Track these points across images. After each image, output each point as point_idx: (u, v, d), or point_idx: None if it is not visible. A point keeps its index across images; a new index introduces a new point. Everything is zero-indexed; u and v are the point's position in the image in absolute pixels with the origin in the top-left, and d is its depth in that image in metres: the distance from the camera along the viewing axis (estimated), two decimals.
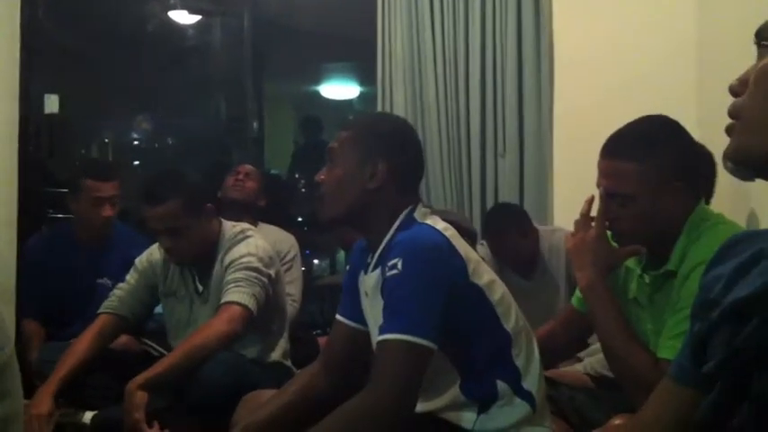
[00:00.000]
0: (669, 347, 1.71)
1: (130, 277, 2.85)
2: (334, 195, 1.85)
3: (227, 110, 6.48)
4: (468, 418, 1.76)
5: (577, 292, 2.07)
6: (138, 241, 3.17)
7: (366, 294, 1.88)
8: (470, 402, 1.77)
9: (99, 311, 2.81)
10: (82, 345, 2.70)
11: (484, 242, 3.44)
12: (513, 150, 3.88)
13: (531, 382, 1.79)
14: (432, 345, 1.66)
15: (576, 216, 1.98)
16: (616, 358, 1.85)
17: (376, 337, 1.72)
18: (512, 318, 1.80)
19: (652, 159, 1.80)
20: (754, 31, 1.04)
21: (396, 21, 4.00)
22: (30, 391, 2.53)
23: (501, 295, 1.80)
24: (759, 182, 1.03)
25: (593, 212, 1.94)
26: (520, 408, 1.77)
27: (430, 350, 1.66)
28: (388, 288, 1.71)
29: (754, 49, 1.03)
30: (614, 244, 1.92)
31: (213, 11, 5.78)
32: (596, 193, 1.91)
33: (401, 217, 1.82)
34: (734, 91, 1.02)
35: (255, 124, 5.82)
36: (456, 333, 1.74)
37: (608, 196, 1.85)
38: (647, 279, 1.88)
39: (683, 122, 1.88)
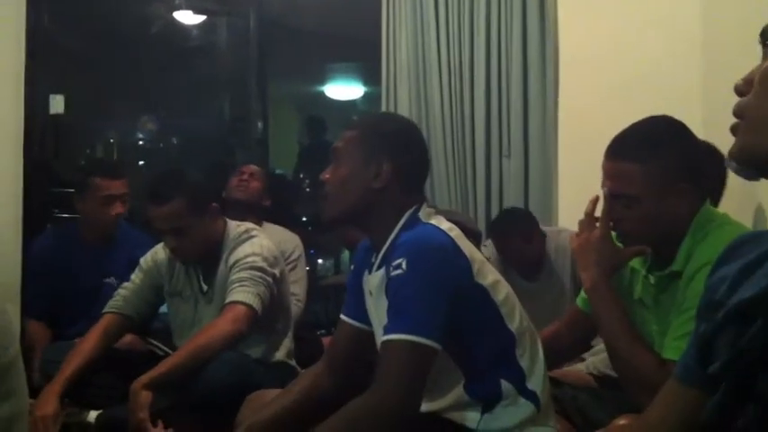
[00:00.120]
0: (674, 348, 1.71)
1: (135, 277, 2.85)
2: (338, 194, 1.85)
3: (231, 110, 6.48)
4: (472, 417, 1.76)
5: (582, 293, 2.06)
6: (144, 241, 3.17)
7: (370, 294, 1.88)
8: (474, 402, 1.77)
9: (104, 311, 2.82)
10: (87, 344, 2.71)
11: (488, 243, 3.44)
12: (518, 151, 3.87)
13: (535, 382, 1.79)
14: (436, 345, 1.66)
15: (581, 216, 1.98)
16: (620, 359, 1.85)
17: (380, 337, 1.72)
18: (516, 318, 1.80)
19: (656, 160, 1.79)
20: (758, 30, 1.04)
21: (400, 21, 4.00)
22: (35, 391, 2.54)
23: (505, 295, 1.80)
24: (765, 181, 1.03)
25: (598, 213, 1.94)
26: (524, 408, 1.77)
27: (434, 350, 1.66)
28: (392, 288, 1.71)
29: (759, 49, 1.03)
30: (619, 244, 1.92)
31: (218, 11, 5.78)
32: (601, 193, 1.91)
33: (405, 217, 1.82)
34: (739, 90, 1.01)
35: (260, 124, 5.81)
36: (460, 333, 1.74)
37: (612, 197, 1.85)
38: (652, 280, 1.88)
39: (688, 123, 1.88)
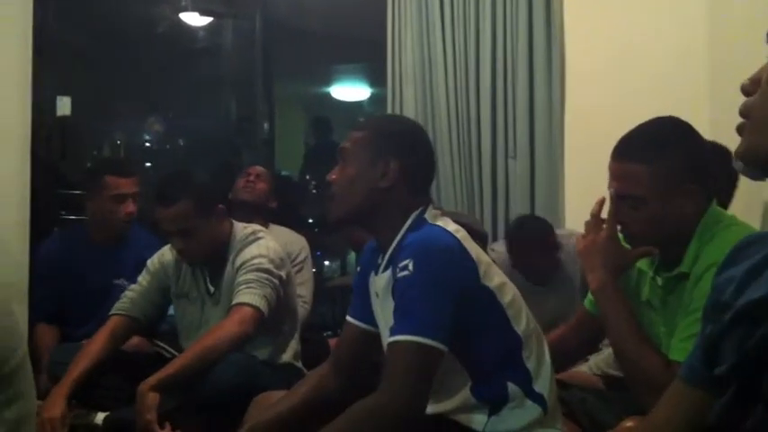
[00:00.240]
0: (681, 349, 1.71)
1: (142, 279, 2.86)
2: (345, 195, 1.86)
3: (237, 111, 6.50)
4: (478, 420, 1.76)
5: (589, 295, 2.06)
6: (153, 242, 3.15)
7: (377, 295, 1.88)
8: (481, 404, 1.76)
9: (111, 313, 2.82)
10: (94, 346, 2.71)
11: (495, 247, 3.42)
12: (524, 152, 3.87)
13: (542, 384, 1.79)
14: (442, 346, 1.66)
15: (587, 218, 1.98)
16: (627, 360, 1.84)
17: (386, 339, 1.72)
18: (522, 320, 1.80)
19: (663, 161, 1.79)
20: (764, 31, 1.04)
21: (406, 22, 4.00)
22: (42, 393, 2.54)
23: (512, 298, 1.80)
24: None
25: (604, 214, 1.94)
26: (531, 410, 1.77)
27: (440, 352, 1.66)
28: (398, 289, 1.71)
29: (765, 49, 1.03)
30: (626, 245, 1.92)
31: (224, 13, 5.80)
32: (607, 195, 1.91)
33: (412, 218, 1.82)
34: (745, 90, 1.01)
35: (266, 125, 5.84)
36: (467, 335, 1.74)
37: (619, 198, 1.84)
38: (659, 281, 1.88)
39: (695, 125, 1.87)
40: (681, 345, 1.72)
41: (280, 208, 3.92)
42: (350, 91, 8.78)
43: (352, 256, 6.19)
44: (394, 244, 1.81)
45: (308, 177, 7.37)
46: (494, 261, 1.91)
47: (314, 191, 6.95)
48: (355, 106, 8.80)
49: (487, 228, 3.77)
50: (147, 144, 6.53)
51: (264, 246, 2.72)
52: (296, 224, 4.28)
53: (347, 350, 2.04)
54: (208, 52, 6.26)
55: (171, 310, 2.95)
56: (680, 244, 1.81)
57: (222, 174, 5.04)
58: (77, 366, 2.64)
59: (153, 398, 2.41)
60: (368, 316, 1.95)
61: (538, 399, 1.77)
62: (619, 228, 1.90)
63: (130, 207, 3.35)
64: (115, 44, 5.88)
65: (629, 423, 1.77)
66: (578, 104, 3.84)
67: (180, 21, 5.94)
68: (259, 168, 3.93)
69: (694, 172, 1.81)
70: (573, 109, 3.85)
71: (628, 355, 1.83)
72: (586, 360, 2.63)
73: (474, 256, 1.75)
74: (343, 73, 8.55)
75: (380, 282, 1.85)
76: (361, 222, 1.91)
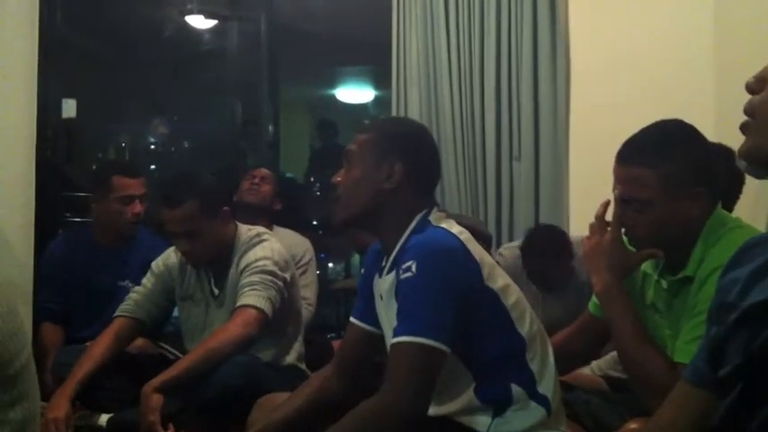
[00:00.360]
0: (685, 351, 1.70)
1: (147, 281, 2.86)
2: (350, 196, 1.86)
3: (242, 114, 6.49)
4: (482, 421, 1.76)
5: (593, 297, 2.06)
6: (159, 244, 3.15)
7: (381, 297, 1.88)
8: (485, 406, 1.76)
9: (115, 315, 2.83)
10: (98, 348, 2.72)
11: (502, 252, 3.39)
12: (529, 155, 3.87)
13: (546, 386, 1.79)
14: (445, 348, 1.66)
15: (592, 220, 1.97)
16: (632, 362, 1.84)
17: (390, 340, 1.72)
18: (526, 322, 1.79)
19: (669, 165, 1.78)
20: None
21: (411, 24, 4.00)
22: (47, 394, 2.55)
23: (515, 299, 1.80)
24: None
25: (609, 216, 1.93)
26: (535, 412, 1.76)
27: (443, 353, 1.66)
28: (401, 291, 1.71)
29: None
30: (631, 248, 1.91)
31: (229, 15, 5.80)
32: (612, 197, 1.90)
33: (416, 220, 1.83)
34: (750, 88, 1.00)
35: (271, 128, 5.84)
36: (470, 337, 1.74)
37: (624, 202, 1.84)
38: (664, 284, 1.87)
39: (700, 128, 1.87)
40: (685, 347, 1.72)
41: (284, 210, 3.92)
42: (354, 93, 8.78)
43: (356, 258, 6.20)
44: (398, 246, 1.81)
45: (312, 180, 7.37)
46: (499, 264, 1.91)
47: (318, 193, 6.95)
48: (360, 108, 8.81)
49: (492, 230, 3.77)
50: (153, 146, 6.53)
51: (269, 248, 2.72)
52: (300, 226, 4.28)
53: (351, 352, 2.04)
54: (213, 55, 6.26)
55: (175, 312, 2.96)
56: (685, 247, 1.81)
57: (227, 176, 5.04)
58: (82, 368, 2.64)
59: (157, 399, 2.41)
60: (372, 318, 1.95)
61: (542, 400, 1.77)
62: (623, 230, 1.90)
63: (138, 208, 3.36)
64: (120, 47, 5.88)
65: (633, 425, 1.77)
66: (583, 106, 3.83)
67: (185, 24, 5.95)
68: (264, 171, 3.93)
69: (700, 175, 1.81)
70: (578, 111, 3.85)
71: (632, 357, 1.82)
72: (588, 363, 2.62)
73: (477, 257, 1.75)
74: (348, 75, 8.56)
75: (384, 284, 1.85)
76: (366, 224, 1.91)
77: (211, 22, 5.97)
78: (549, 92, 3.84)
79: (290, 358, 2.80)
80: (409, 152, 1.85)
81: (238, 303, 2.60)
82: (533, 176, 3.87)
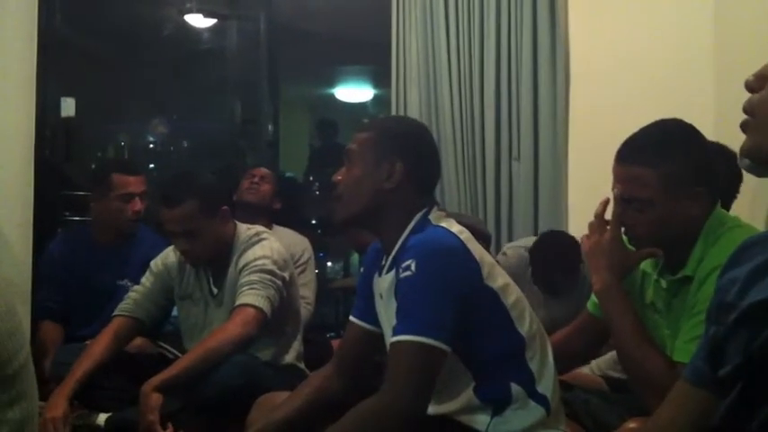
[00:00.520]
0: (685, 351, 1.70)
1: (146, 280, 2.86)
2: (350, 195, 1.86)
3: (242, 113, 6.50)
4: (481, 420, 1.76)
5: (593, 296, 2.06)
6: (160, 243, 3.14)
7: (380, 296, 1.88)
8: (484, 405, 1.76)
9: (114, 314, 2.82)
10: (97, 347, 2.71)
11: (506, 252, 3.38)
12: (528, 154, 3.87)
13: (545, 385, 1.79)
14: (444, 347, 1.66)
15: (591, 219, 1.97)
16: (631, 361, 1.84)
17: (390, 339, 1.72)
18: (526, 321, 1.80)
19: (669, 164, 1.78)
20: None
21: (410, 24, 4.00)
22: (45, 394, 2.54)
23: (515, 299, 1.80)
24: None
25: (608, 215, 1.93)
26: (534, 411, 1.76)
27: (443, 352, 1.66)
28: (401, 290, 1.72)
29: None
30: (630, 247, 1.91)
31: (228, 14, 5.80)
32: (611, 196, 1.90)
33: (416, 219, 1.83)
34: (750, 87, 1.00)
35: (270, 127, 5.84)
36: (470, 336, 1.74)
37: (624, 201, 1.84)
38: (663, 284, 1.87)
39: (700, 127, 1.87)
40: (685, 346, 1.72)
41: (283, 209, 3.92)
42: (354, 92, 8.79)
43: (354, 257, 6.20)
44: (398, 245, 1.81)
45: (311, 179, 7.37)
46: (500, 263, 1.90)
47: (317, 192, 6.95)
48: (359, 108, 8.81)
49: (491, 229, 3.77)
50: (152, 146, 6.53)
51: (268, 247, 2.72)
52: (299, 225, 4.28)
53: (350, 351, 2.04)
54: (212, 54, 6.27)
55: (175, 312, 2.95)
56: (684, 246, 1.81)
57: (226, 175, 5.04)
58: (80, 367, 2.64)
59: (156, 398, 2.41)
60: (371, 317, 1.95)
61: (541, 400, 1.77)
62: (623, 230, 1.89)
63: (138, 205, 3.35)
64: (120, 46, 5.89)
65: (632, 424, 1.77)
66: (582, 106, 3.83)
67: (184, 23, 5.95)
68: (263, 170, 3.93)
69: (700, 174, 1.81)
70: (577, 111, 3.85)
71: (631, 357, 1.82)
72: (587, 362, 2.62)
73: (477, 257, 1.75)
74: (348, 74, 8.56)
75: (384, 283, 1.85)
76: (366, 223, 1.91)
77: (211, 21, 5.97)
78: (549, 91, 3.84)
79: (289, 357, 2.79)
80: (409, 151, 1.85)
81: (237, 302, 2.60)
82: (533, 176, 3.87)
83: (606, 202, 1.95)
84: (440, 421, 1.78)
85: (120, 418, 2.60)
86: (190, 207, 2.64)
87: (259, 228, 2.87)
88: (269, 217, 3.77)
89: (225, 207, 2.75)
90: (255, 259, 2.67)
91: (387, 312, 1.84)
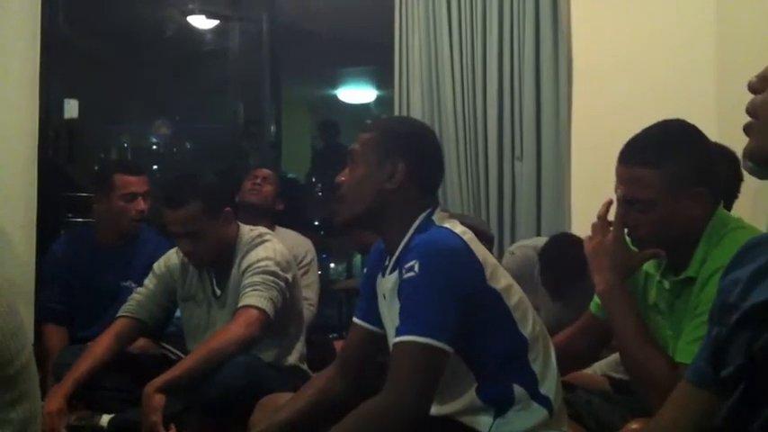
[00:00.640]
0: (687, 352, 1.70)
1: (149, 282, 2.86)
2: (353, 196, 1.86)
3: (244, 114, 6.49)
4: (484, 422, 1.76)
5: (596, 298, 2.06)
6: (163, 244, 3.15)
7: (384, 297, 1.88)
8: (487, 406, 1.76)
9: (117, 315, 2.83)
10: (98, 347, 2.72)
11: (514, 251, 3.36)
12: (531, 155, 3.86)
13: (548, 386, 1.79)
14: (447, 347, 1.66)
15: (594, 220, 1.97)
16: (634, 362, 1.84)
17: (393, 340, 1.72)
18: (529, 322, 1.79)
19: (671, 165, 1.78)
20: None
21: (413, 24, 4.00)
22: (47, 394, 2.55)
23: (518, 300, 1.80)
24: None
25: (611, 216, 1.93)
26: (537, 412, 1.76)
27: (445, 353, 1.66)
28: (404, 290, 1.72)
29: None
30: (633, 248, 1.91)
31: (231, 16, 5.80)
32: (614, 197, 1.90)
33: (419, 220, 1.82)
34: (753, 88, 1.00)
35: (273, 128, 5.83)
36: (472, 337, 1.74)
37: (627, 202, 1.84)
38: (666, 285, 1.87)
39: (702, 128, 1.87)
40: (687, 347, 1.72)
41: (286, 210, 3.92)
42: (357, 93, 8.78)
43: (357, 258, 6.20)
44: (401, 246, 1.81)
45: (314, 180, 7.37)
46: (504, 263, 1.90)
47: (320, 193, 6.95)
48: (362, 108, 8.81)
49: (493, 230, 3.76)
50: (154, 147, 6.53)
51: (271, 248, 2.72)
52: (302, 227, 4.28)
53: (354, 352, 2.04)
54: (215, 55, 6.26)
55: (177, 313, 2.96)
56: (687, 247, 1.81)
57: (229, 176, 5.04)
58: (80, 366, 2.64)
59: (159, 399, 2.41)
60: (375, 317, 1.95)
61: (544, 401, 1.77)
62: (626, 231, 1.89)
63: (141, 205, 3.35)
64: (122, 47, 5.88)
65: (634, 425, 1.77)
66: (585, 106, 3.83)
67: (187, 24, 5.95)
68: (266, 171, 3.93)
69: (702, 175, 1.81)
70: (580, 111, 3.85)
71: (634, 358, 1.82)
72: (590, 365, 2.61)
73: (480, 257, 1.75)
74: (351, 75, 8.55)
75: (387, 283, 1.85)
76: (369, 224, 1.91)
77: (213, 23, 5.96)
78: (552, 92, 3.84)
79: (292, 359, 2.79)
80: (412, 151, 1.85)
81: (240, 304, 2.60)
82: (535, 176, 3.87)
83: (609, 204, 1.95)
84: (442, 422, 1.78)
85: (122, 419, 2.61)
86: (193, 208, 2.64)
87: (262, 229, 2.87)
88: (271, 218, 3.77)
89: (228, 208, 2.75)
90: (258, 261, 2.67)
91: (390, 313, 1.84)
